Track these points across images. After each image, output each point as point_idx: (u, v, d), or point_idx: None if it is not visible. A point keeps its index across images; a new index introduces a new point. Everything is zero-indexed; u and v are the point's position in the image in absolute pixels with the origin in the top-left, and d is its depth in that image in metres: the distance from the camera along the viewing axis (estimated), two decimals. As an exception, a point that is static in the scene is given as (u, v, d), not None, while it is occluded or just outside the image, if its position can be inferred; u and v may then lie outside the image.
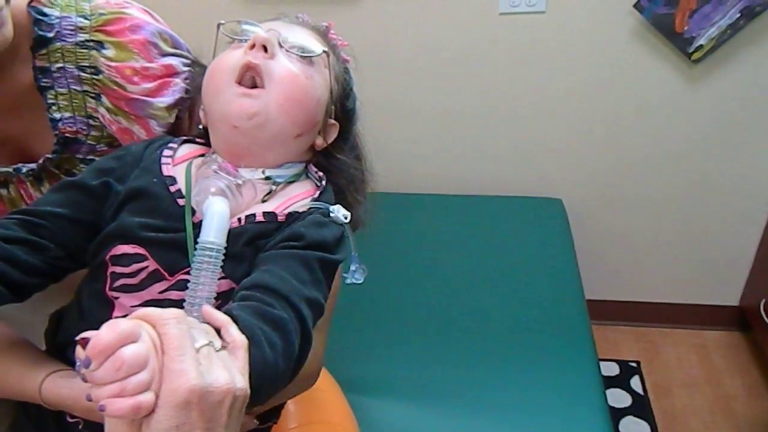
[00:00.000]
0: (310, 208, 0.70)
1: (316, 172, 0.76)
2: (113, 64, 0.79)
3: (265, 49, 0.69)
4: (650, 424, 1.80)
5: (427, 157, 1.96)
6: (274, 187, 0.71)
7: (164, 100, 0.81)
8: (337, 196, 0.77)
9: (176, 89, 0.82)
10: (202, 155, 0.75)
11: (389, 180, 1.94)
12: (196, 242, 0.64)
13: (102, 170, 0.72)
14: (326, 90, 0.74)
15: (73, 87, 0.80)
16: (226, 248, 0.64)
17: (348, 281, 0.78)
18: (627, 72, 1.73)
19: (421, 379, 1.42)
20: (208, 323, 0.53)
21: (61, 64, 0.79)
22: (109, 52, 0.79)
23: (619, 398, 1.88)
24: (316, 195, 0.72)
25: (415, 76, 1.84)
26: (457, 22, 1.75)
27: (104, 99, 0.81)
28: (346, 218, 0.70)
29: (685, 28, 1.62)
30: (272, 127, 0.69)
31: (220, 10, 1.79)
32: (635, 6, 1.64)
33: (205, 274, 0.62)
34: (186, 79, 0.82)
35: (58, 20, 0.78)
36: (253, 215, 0.68)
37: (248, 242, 0.67)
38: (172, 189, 0.70)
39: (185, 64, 0.83)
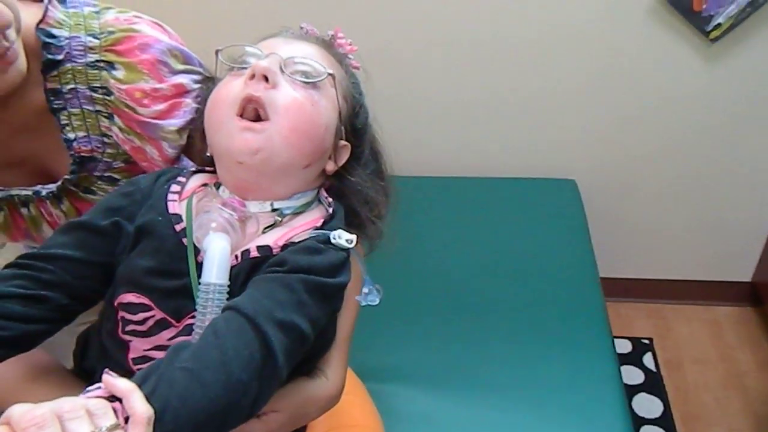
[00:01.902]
0: (308, 237, 0.67)
1: (326, 198, 0.74)
2: (123, 86, 0.78)
3: (266, 78, 0.66)
4: (663, 400, 1.83)
5: (438, 139, 1.95)
6: (279, 219, 0.69)
7: (175, 122, 0.80)
8: (351, 217, 0.75)
9: (187, 110, 0.81)
10: (207, 185, 0.73)
11: (398, 163, 1.94)
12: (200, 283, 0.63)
13: (111, 209, 0.70)
14: (334, 112, 0.72)
15: (86, 107, 0.80)
16: (229, 286, 0.63)
17: (363, 304, 0.76)
18: (643, 51, 1.70)
19: (438, 362, 1.44)
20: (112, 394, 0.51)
21: (72, 86, 0.78)
22: (119, 73, 0.78)
23: (632, 375, 1.90)
24: (319, 224, 0.69)
25: (423, 55, 1.81)
26: None
27: (117, 119, 0.80)
28: (350, 242, 0.67)
29: (704, 7, 1.59)
30: (279, 161, 0.67)
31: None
32: (652, -16, 1.60)
33: (210, 317, 0.61)
34: (197, 97, 0.81)
35: (67, 41, 0.77)
36: (248, 251, 0.66)
37: (245, 281, 0.64)
38: (178, 228, 0.68)
39: (196, 81, 0.82)
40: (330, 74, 0.71)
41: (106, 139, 0.82)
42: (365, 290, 0.74)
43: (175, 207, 0.69)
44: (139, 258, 0.67)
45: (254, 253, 0.66)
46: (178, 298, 0.65)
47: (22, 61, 0.72)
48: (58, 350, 0.79)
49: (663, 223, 2.00)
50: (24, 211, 0.85)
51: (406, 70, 1.82)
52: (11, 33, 0.68)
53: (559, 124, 1.86)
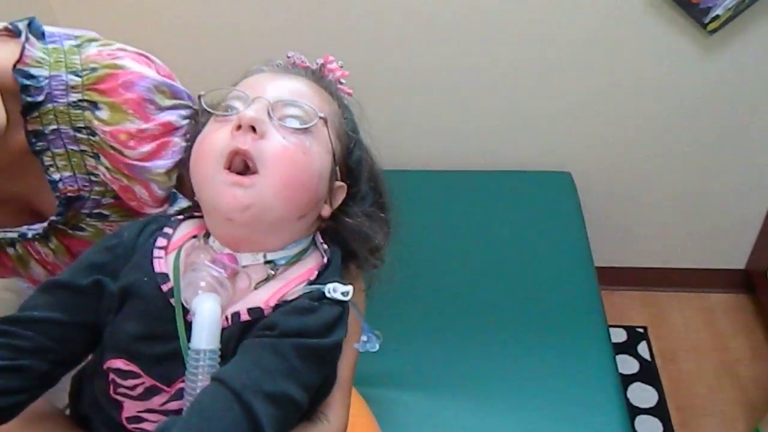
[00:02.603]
0: (301, 294, 0.64)
1: (321, 243, 0.71)
2: (107, 128, 0.74)
3: (254, 129, 0.62)
4: (657, 389, 1.85)
5: (434, 133, 1.92)
6: (272, 272, 0.66)
7: (163, 164, 0.77)
8: (349, 258, 0.73)
9: (175, 150, 0.77)
10: (196, 236, 0.69)
11: (391, 157, 1.92)
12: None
13: (92, 267, 0.66)
14: (328, 156, 0.68)
15: (70, 147, 0.76)
16: (221, 349, 0.60)
17: (362, 350, 0.73)
18: (640, 42, 1.67)
19: (434, 356, 1.44)
20: None
21: (54, 126, 0.75)
22: (103, 113, 0.74)
23: (626, 365, 1.92)
24: (314, 276, 0.66)
25: (414, 47, 1.77)
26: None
27: (103, 159, 0.77)
28: (346, 295, 0.64)
29: (702, -2, 1.56)
30: (271, 216, 0.64)
31: None
32: (649, -26, 1.57)
33: (202, 382, 0.59)
34: (185, 134, 0.78)
35: (47, 80, 0.73)
36: (238, 314, 0.63)
37: (238, 343, 0.62)
38: (164, 288, 0.64)
39: (185, 117, 0.78)
40: (321, 117, 0.67)
41: (93, 178, 0.79)
42: (364, 338, 0.72)
43: (162, 265, 0.66)
44: (125, 322, 0.64)
45: (245, 317, 0.63)
46: (168, 362, 0.62)
47: (1, 116, 0.68)
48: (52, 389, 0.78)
49: (658, 212, 1.99)
50: (10, 250, 0.83)
51: (398, 61, 1.78)
52: None
53: (555, 117, 1.84)
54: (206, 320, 0.60)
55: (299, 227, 0.68)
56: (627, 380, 1.87)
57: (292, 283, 0.66)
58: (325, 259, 0.69)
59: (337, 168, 0.70)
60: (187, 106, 0.79)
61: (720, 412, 1.79)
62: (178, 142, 0.77)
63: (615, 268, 2.08)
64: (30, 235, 0.81)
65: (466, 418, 1.33)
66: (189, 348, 0.60)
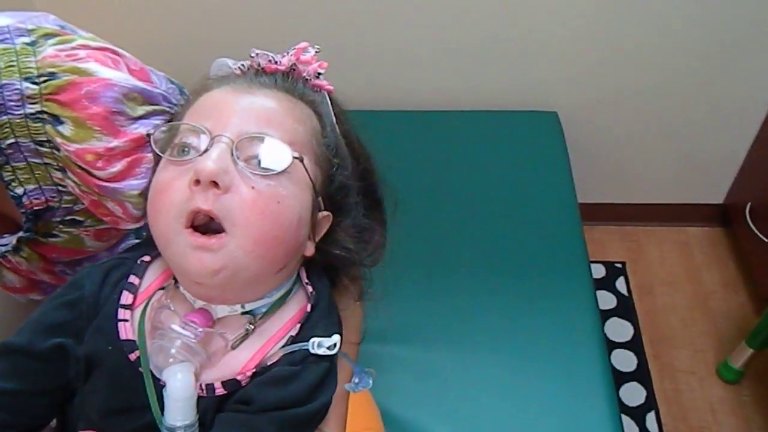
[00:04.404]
0: (282, 357, 0.59)
1: (306, 283, 0.65)
2: (72, 147, 0.66)
3: (216, 183, 0.53)
4: (633, 324, 1.91)
5: (416, 72, 1.82)
6: (250, 327, 0.60)
7: (137, 183, 0.69)
8: (340, 284, 0.69)
9: (150, 167, 0.69)
10: (165, 287, 0.62)
11: (372, 98, 1.85)
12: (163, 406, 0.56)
13: (52, 328, 0.59)
14: (307, 192, 0.59)
15: (32, 160, 0.68)
16: (200, 419, 0.57)
17: (353, 392, 0.69)
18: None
19: (420, 296, 1.44)
20: None
21: (12, 140, 0.67)
22: (66, 129, 0.66)
23: (604, 300, 1.96)
24: (296, 331, 0.61)
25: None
26: None
27: (70, 174, 0.69)
28: (333, 348, 0.59)
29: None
30: (245, 276, 0.56)
31: None
32: None
33: None
34: None
35: None
36: (213, 387, 0.58)
37: (216, 412, 0.58)
38: (132, 357, 0.59)
39: (157, 126, 0.69)
40: (296, 158, 0.58)
41: (60, 188, 0.72)
42: (355, 380, 0.68)
43: (127, 331, 0.60)
44: (94, 394, 0.59)
45: (220, 390, 0.58)
46: None
47: None
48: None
49: (641, 149, 1.97)
50: None
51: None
52: None
53: (541, 54, 1.76)
54: (179, 394, 0.55)
55: (279, 277, 0.62)
56: (604, 315, 1.92)
57: (273, 339, 0.61)
58: (309, 307, 0.63)
59: (320, 199, 0.62)
60: (162, 111, 0.71)
61: (691, 345, 1.86)
62: (151, 159, 0.69)
63: (596, 204, 2.08)
64: None
65: (451, 358, 1.35)
66: (163, 424, 0.56)
